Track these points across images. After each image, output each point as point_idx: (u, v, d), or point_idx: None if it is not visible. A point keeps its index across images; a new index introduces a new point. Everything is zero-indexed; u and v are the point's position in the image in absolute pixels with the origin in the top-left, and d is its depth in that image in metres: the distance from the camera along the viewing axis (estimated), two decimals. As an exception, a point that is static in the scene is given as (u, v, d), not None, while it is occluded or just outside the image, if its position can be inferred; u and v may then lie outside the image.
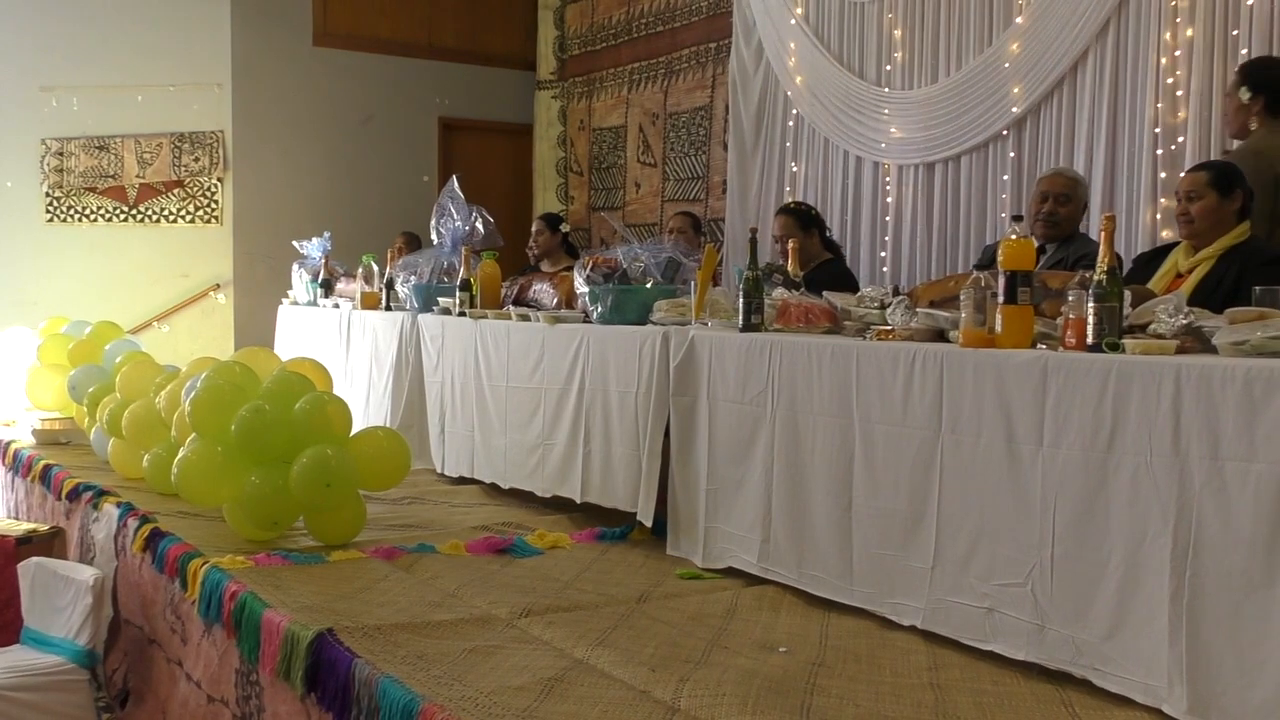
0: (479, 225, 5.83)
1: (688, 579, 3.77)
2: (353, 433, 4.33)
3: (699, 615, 3.35)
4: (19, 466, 6.18)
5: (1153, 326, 2.77)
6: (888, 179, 6.61)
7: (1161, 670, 2.51)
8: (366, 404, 6.16)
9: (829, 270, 5.18)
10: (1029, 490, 2.82)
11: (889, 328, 3.34)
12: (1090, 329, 2.75)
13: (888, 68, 6.56)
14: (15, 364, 7.30)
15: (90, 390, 5.96)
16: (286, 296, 7.84)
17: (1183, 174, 3.92)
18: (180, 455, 4.26)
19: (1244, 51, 4.80)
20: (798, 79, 7.09)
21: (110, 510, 4.77)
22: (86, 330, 6.94)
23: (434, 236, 6.08)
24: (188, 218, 9.04)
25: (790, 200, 6.63)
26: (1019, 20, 5.77)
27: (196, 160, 8.99)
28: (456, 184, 6.01)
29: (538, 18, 9.92)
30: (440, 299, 5.72)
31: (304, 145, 9.23)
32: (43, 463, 5.85)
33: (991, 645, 2.91)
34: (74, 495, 5.20)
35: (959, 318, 3.08)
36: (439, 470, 5.54)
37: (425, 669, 2.84)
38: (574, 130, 9.67)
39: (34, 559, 4.53)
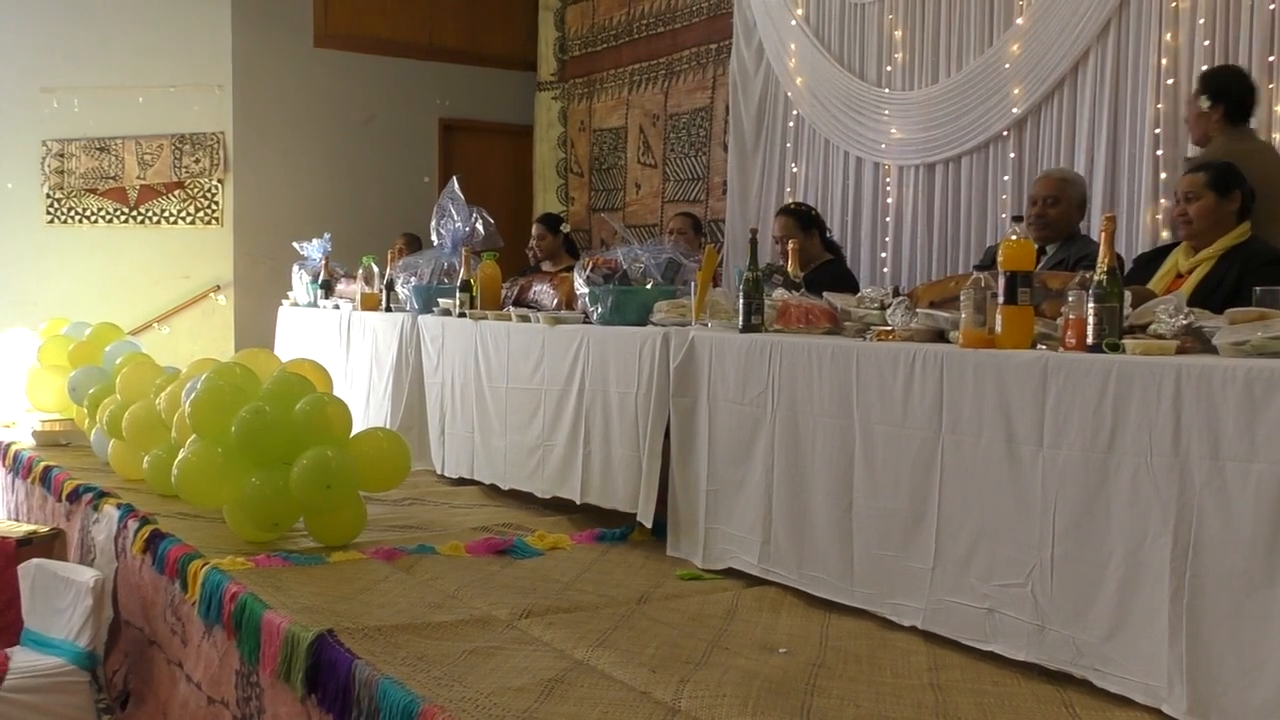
0: (479, 226, 5.83)
1: (688, 580, 3.77)
2: (353, 434, 4.33)
3: (699, 616, 3.35)
4: (19, 468, 6.18)
5: (1153, 327, 2.77)
6: (888, 180, 6.61)
7: (1162, 670, 2.51)
8: (367, 405, 6.16)
9: (829, 271, 5.18)
10: (1029, 491, 2.82)
11: (889, 328, 3.34)
12: (1090, 329, 2.75)
13: (888, 68, 6.56)
14: (15, 365, 7.30)
15: (90, 391, 5.96)
16: (287, 298, 7.84)
17: (1182, 175, 3.93)
18: (180, 456, 4.26)
19: (1244, 53, 4.81)
20: (798, 80, 7.09)
21: (110, 512, 4.77)
22: (87, 331, 6.94)
23: (434, 237, 6.08)
24: (188, 219, 9.05)
25: (790, 201, 6.64)
26: (1019, 21, 5.77)
27: (197, 161, 8.99)
28: (457, 185, 6.01)
29: (538, 19, 9.92)
30: (440, 300, 5.72)
31: (304, 146, 9.23)
32: (43, 464, 5.85)
33: (992, 646, 2.91)
34: (74, 497, 5.20)
35: (959, 318, 3.08)
36: (439, 471, 5.54)
37: (425, 670, 2.84)
38: (574, 131, 9.67)
39: (34, 560, 4.53)
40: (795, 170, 7.22)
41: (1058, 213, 4.53)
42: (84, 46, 8.86)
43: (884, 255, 6.62)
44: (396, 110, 9.54)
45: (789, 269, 4.34)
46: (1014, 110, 5.80)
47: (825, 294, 3.81)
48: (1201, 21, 4.98)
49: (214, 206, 9.03)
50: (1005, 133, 5.90)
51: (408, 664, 2.89)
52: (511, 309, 5.15)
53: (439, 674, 2.82)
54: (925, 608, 3.10)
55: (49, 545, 5.09)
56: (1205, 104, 4.37)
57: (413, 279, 5.99)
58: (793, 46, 7.12)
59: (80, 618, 4.14)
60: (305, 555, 4.01)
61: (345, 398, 4.60)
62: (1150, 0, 5.20)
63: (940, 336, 3.22)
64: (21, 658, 4.15)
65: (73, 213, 9.02)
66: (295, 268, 7.67)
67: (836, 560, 3.38)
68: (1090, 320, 2.75)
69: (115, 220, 9.05)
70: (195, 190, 9.03)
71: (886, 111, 6.54)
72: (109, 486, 5.14)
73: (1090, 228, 4.83)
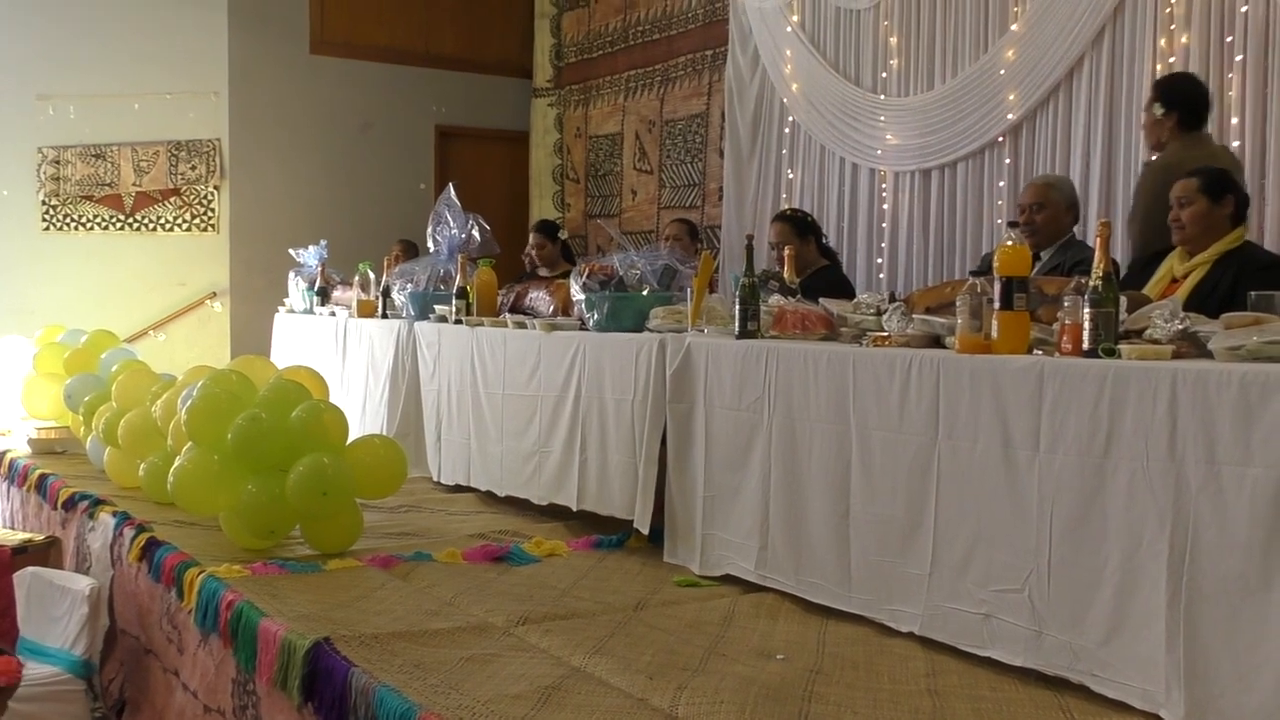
0: (475, 233, 5.83)
1: (685, 586, 3.76)
2: (349, 441, 4.33)
3: (696, 623, 3.35)
4: (15, 476, 6.17)
5: (1149, 332, 2.78)
6: (884, 186, 6.62)
7: (1159, 675, 2.51)
8: (363, 412, 6.15)
9: (825, 277, 5.19)
10: (1026, 496, 2.82)
11: (885, 334, 3.34)
12: (1086, 334, 2.76)
13: (883, 75, 6.58)
14: (11, 373, 7.28)
15: (86, 399, 5.95)
16: (283, 305, 7.83)
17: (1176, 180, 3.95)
18: (176, 464, 4.25)
19: (1239, 58, 4.82)
20: (794, 86, 7.10)
21: (106, 519, 4.75)
22: (82, 339, 6.93)
23: (430, 244, 6.08)
24: (184, 226, 9.04)
25: (786, 207, 6.64)
26: (1014, 27, 5.78)
27: (193, 168, 8.99)
28: (453, 191, 6.01)
29: (534, 25, 9.93)
30: (437, 307, 5.71)
31: (301, 153, 9.23)
32: (38, 472, 5.84)
33: (989, 651, 2.91)
34: (70, 504, 5.19)
35: (955, 324, 3.08)
36: (435, 478, 5.54)
37: (422, 677, 2.84)
38: (570, 138, 9.68)
39: (30, 569, 4.52)
40: (791, 176, 7.23)
41: (1045, 218, 4.54)
42: (80, 53, 8.86)
43: (880, 261, 6.63)
44: (393, 117, 9.54)
45: (785, 275, 4.34)
46: (1009, 116, 5.81)
47: (821, 300, 3.81)
48: (1195, 27, 4.99)
49: (210, 213, 9.03)
50: (1001, 139, 5.91)
51: (404, 671, 2.88)
52: (508, 315, 5.15)
53: (436, 681, 2.81)
54: (922, 613, 3.09)
55: (44, 553, 5.07)
56: (1159, 111, 4.43)
57: (409, 286, 5.99)
58: (788, 53, 7.13)
59: (76, 626, 4.13)
60: (301, 563, 4.01)
61: (341, 405, 4.59)
62: (1144, 6, 5.21)
63: (936, 342, 3.22)
64: (17, 666, 4.14)
65: (68, 220, 9.01)
66: (291, 275, 7.67)
67: (834, 566, 3.37)
68: (1086, 325, 2.76)
69: (111, 227, 9.04)
70: (191, 197, 9.03)
71: (882, 117, 6.55)
72: (105, 494, 5.13)
73: (1086, 233, 4.84)
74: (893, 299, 3.59)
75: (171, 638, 3.99)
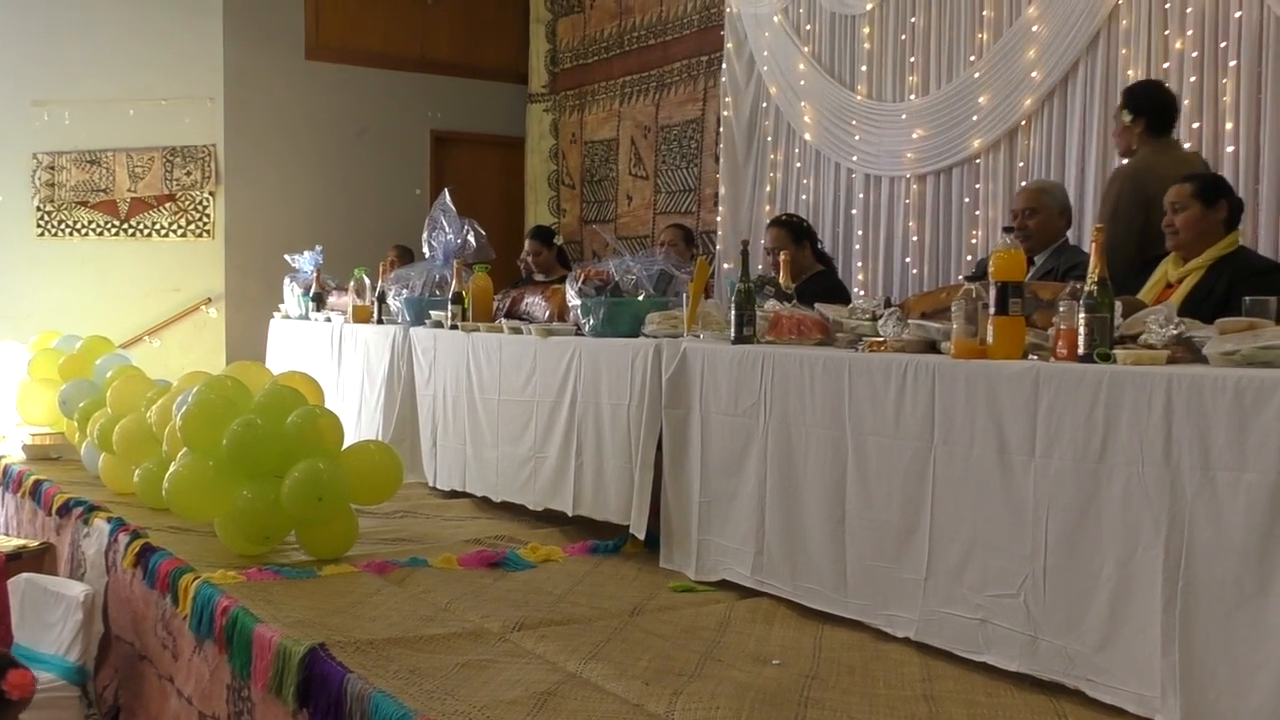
0: (471, 238, 5.83)
1: (681, 592, 3.76)
2: (345, 446, 4.32)
3: (692, 628, 3.35)
4: (9, 482, 6.16)
5: (1144, 337, 2.78)
6: (880, 190, 6.62)
7: (1155, 680, 2.51)
8: (358, 417, 6.15)
9: (821, 282, 5.19)
10: (1021, 501, 2.82)
11: (881, 339, 3.34)
12: (1081, 339, 2.76)
13: (879, 80, 6.58)
14: (5, 379, 7.27)
15: (81, 405, 5.94)
16: (278, 310, 7.83)
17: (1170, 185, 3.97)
18: (171, 470, 4.25)
19: (1232, 63, 4.84)
20: (789, 92, 7.10)
21: (101, 525, 4.75)
22: (77, 345, 6.92)
23: (426, 250, 6.08)
24: (179, 231, 9.03)
25: (782, 212, 6.64)
26: (1009, 32, 5.79)
27: (188, 174, 8.98)
28: (448, 197, 6.01)
29: (529, 31, 9.94)
30: (432, 312, 5.71)
31: (296, 159, 9.23)
32: (33, 478, 5.83)
33: (985, 656, 2.91)
34: (64, 511, 5.18)
35: (951, 329, 3.09)
36: (431, 484, 5.53)
37: (418, 683, 2.83)
38: (566, 143, 9.69)
39: (24, 575, 4.51)
40: (786, 182, 7.23)
41: (1037, 223, 4.55)
42: (75, 59, 8.85)
43: (876, 266, 6.63)
44: (388, 122, 9.54)
45: (780, 280, 4.34)
46: (1005, 121, 5.82)
47: (817, 305, 3.82)
48: (1190, 32, 5.00)
49: (205, 219, 9.02)
50: (998, 143, 5.92)
51: (400, 677, 2.88)
52: (503, 321, 5.15)
53: (431, 687, 2.81)
54: (918, 619, 3.09)
55: (39, 559, 5.06)
56: (1127, 118, 4.53)
57: (404, 291, 5.99)
58: (783, 58, 7.13)
59: (70, 632, 4.12)
60: (297, 568, 4.00)
61: (337, 410, 4.59)
62: (1139, 11, 5.22)
63: (932, 347, 3.22)
64: (11, 673, 4.12)
65: (63, 225, 9.00)
66: (287, 280, 7.67)
67: (829, 571, 3.37)
68: (1081, 330, 2.76)
69: (106, 233, 9.03)
70: (186, 203, 9.02)
71: (878, 122, 6.56)
72: (99, 500, 5.12)
73: (1081, 238, 4.84)
74: (888, 304, 3.60)
75: (166, 644, 3.98)
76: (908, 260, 6.42)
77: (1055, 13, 5.53)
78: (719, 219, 7.72)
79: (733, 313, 3.82)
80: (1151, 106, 4.53)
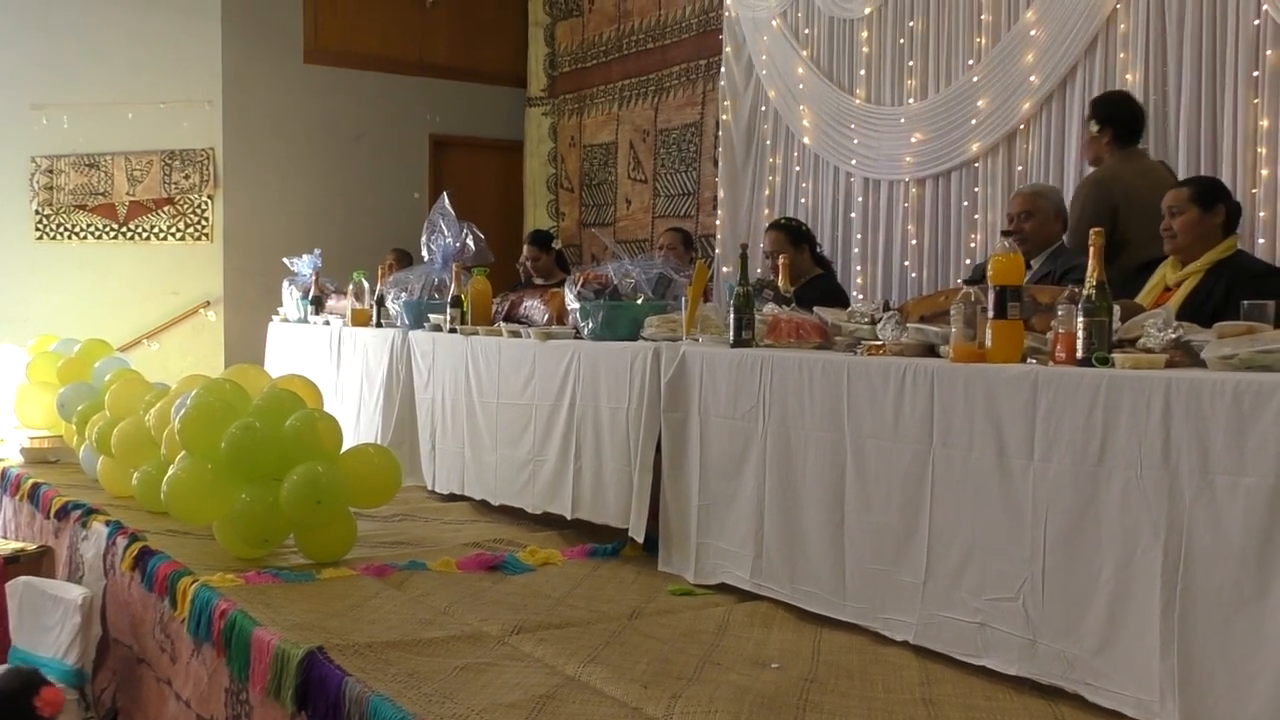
0: (470, 242, 5.83)
1: (680, 595, 3.76)
2: (343, 450, 4.32)
3: (691, 632, 3.35)
4: (7, 485, 6.15)
5: (1142, 341, 2.78)
6: (878, 194, 6.63)
7: (1153, 684, 2.51)
8: (357, 421, 6.15)
9: (819, 285, 5.19)
10: (1020, 504, 2.82)
11: (880, 343, 3.35)
12: (1080, 343, 2.76)
13: (878, 83, 6.59)
14: (4, 382, 7.27)
15: (79, 408, 5.94)
16: (277, 313, 7.83)
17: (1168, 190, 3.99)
18: (170, 473, 4.25)
19: (1230, 67, 4.84)
20: (788, 95, 7.11)
21: (99, 529, 4.74)
22: (76, 348, 6.92)
23: (425, 253, 6.08)
24: (178, 235, 9.03)
25: (780, 216, 6.65)
26: (1008, 37, 5.79)
27: (187, 177, 8.99)
28: (447, 200, 6.01)
29: (528, 35, 9.95)
30: (431, 316, 5.72)
31: (295, 162, 9.23)
32: (31, 481, 5.82)
33: (983, 660, 2.91)
34: (62, 514, 5.18)
35: (949, 333, 3.09)
36: (430, 487, 5.53)
37: (416, 687, 2.83)
38: (564, 147, 9.69)
39: (22, 578, 4.50)
40: (785, 185, 7.24)
41: (1033, 226, 4.57)
42: (73, 63, 8.86)
43: (874, 270, 6.64)
44: (387, 126, 9.54)
45: (779, 284, 4.35)
46: (1004, 125, 5.82)
47: (816, 309, 3.82)
48: (1186, 38, 5.01)
49: (204, 222, 9.02)
50: (996, 146, 5.92)
51: (399, 681, 2.88)
52: (502, 324, 5.15)
53: (430, 691, 2.80)
54: (917, 622, 3.09)
55: (37, 563, 5.06)
56: (1095, 128, 4.70)
57: (403, 295, 5.99)
58: (782, 61, 7.14)
59: (68, 635, 4.12)
60: (295, 572, 4.00)
61: (336, 414, 4.59)
62: (1136, 16, 5.23)
63: (931, 351, 3.23)
64: (9, 676, 4.12)
65: (62, 229, 9.00)
66: (285, 283, 7.67)
67: (828, 575, 3.37)
68: (1080, 334, 2.76)
69: (105, 236, 9.03)
70: (185, 206, 9.02)
71: (877, 126, 6.56)
72: (98, 503, 5.12)
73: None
74: (887, 308, 3.60)
75: (164, 647, 3.98)
76: (906, 264, 6.42)
77: (1053, 17, 5.54)
78: (718, 222, 7.72)
79: (731, 316, 3.82)
80: (1119, 117, 4.68)
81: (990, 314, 2.96)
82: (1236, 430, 2.37)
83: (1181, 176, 4.74)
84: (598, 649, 3.15)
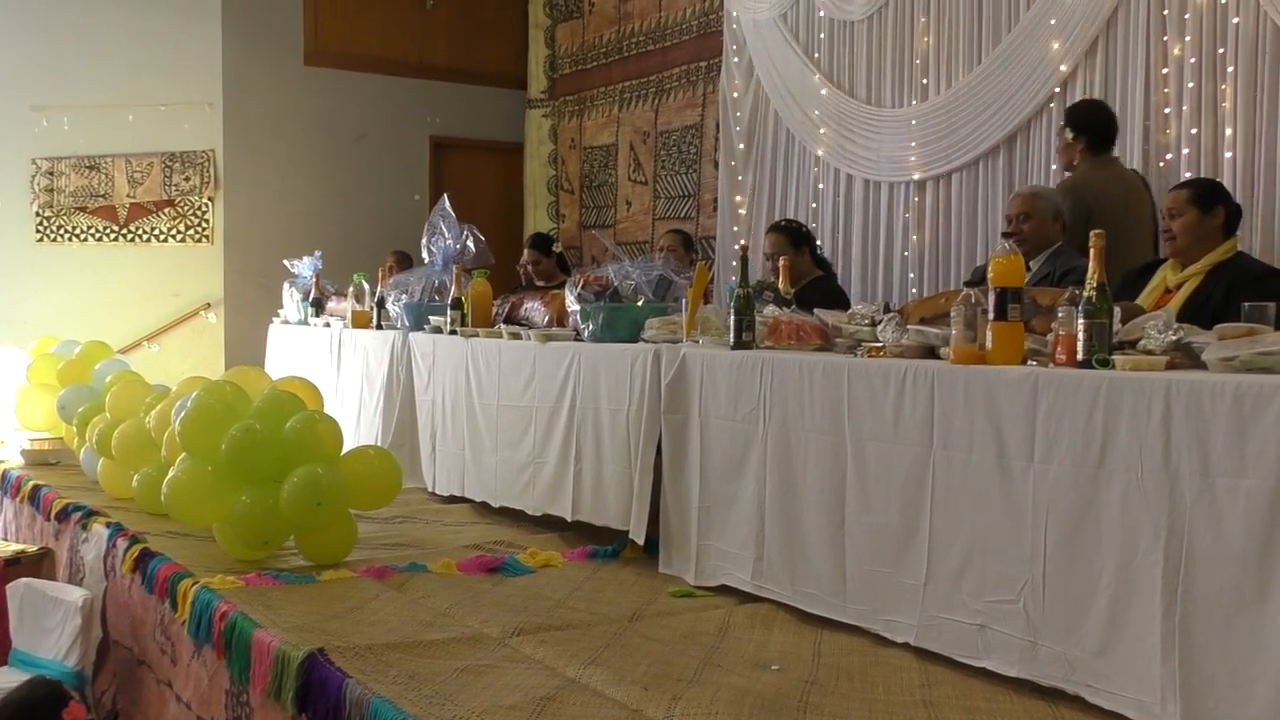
0: (470, 244, 5.83)
1: (680, 597, 3.76)
2: (344, 451, 4.32)
3: (691, 633, 3.35)
4: (8, 487, 6.15)
5: (1142, 342, 2.78)
6: (879, 196, 6.63)
7: (1154, 686, 2.51)
8: (357, 423, 6.15)
9: (820, 287, 5.19)
10: (1020, 506, 2.82)
11: (880, 345, 3.35)
12: (1080, 345, 2.76)
13: (878, 86, 6.59)
14: (4, 384, 7.27)
15: (80, 410, 5.94)
16: (277, 315, 7.83)
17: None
18: (170, 475, 4.25)
19: (1230, 69, 4.85)
20: (788, 97, 7.11)
21: (100, 530, 4.75)
22: (76, 350, 6.92)
23: (425, 255, 6.08)
24: (178, 237, 9.04)
25: (781, 218, 6.65)
26: (1008, 38, 5.79)
27: (187, 179, 8.99)
28: (448, 202, 6.01)
29: (528, 37, 9.95)
30: (431, 317, 5.71)
31: (295, 164, 9.23)
32: (31, 483, 5.82)
33: (984, 662, 2.91)
34: (63, 516, 5.18)
35: (950, 334, 3.09)
36: (430, 489, 5.53)
37: (417, 689, 2.83)
38: (565, 148, 9.70)
39: (22, 580, 4.51)
40: (786, 187, 7.24)
41: (1031, 227, 4.57)
42: (74, 65, 8.86)
43: (875, 272, 6.64)
44: (387, 128, 9.55)
45: (780, 286, 4.35)
46: (1004, 127, 5.82)
47: (816, 310, 3.81)
48: (1188, 39, 5.01)
49: (204, 224, 9.03)
50: (997, 149, 5.92)
51: (399, 683, 2.88)
52: (502, 326, 5.15)
53: (430, 692, 2.80)
54: (918, 624, 3.09)
55: (37, 564, 5.06)
56: (1069, 135, 4.83)
57: (404, 296, 5.99)
58: (782, 63, 7.14)
59: (69, 637, 4.12)
60: (296, 574, 4.00)
61: (336, 415, 4.59)
62: (1137, 18, 5.23)
63: (931, 353, 3.23)
64: (9, 677, 4.12)
65: (62, 231, 9.00)
66: (286, 285, 7.67)
67: (829, 576, 3.37)
68: (1080, 336, 2.76)
69: (105, 238, 9.04)
70: (185, 208, 9.02)
71: (877, 128, 6.56)
72: (98, 505, 5.12)
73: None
74: (887, 309, 3.60)
75: (165, 649, 3.98)
76: (907, 264, 6.42)
77: (1054, 18, 5.54)
78: (718, 224, 7.73)
79: (732, 318, 3.82)
80: (1093, 124, 4.81)
81: (991, 316, 2.96)
82: (1237, 432, 2.37)
83: (1182, 179, 4.74)
84: (598, 651, 3.15)
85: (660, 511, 4.06)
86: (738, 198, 7.55)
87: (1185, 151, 5.00)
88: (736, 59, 7.55)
